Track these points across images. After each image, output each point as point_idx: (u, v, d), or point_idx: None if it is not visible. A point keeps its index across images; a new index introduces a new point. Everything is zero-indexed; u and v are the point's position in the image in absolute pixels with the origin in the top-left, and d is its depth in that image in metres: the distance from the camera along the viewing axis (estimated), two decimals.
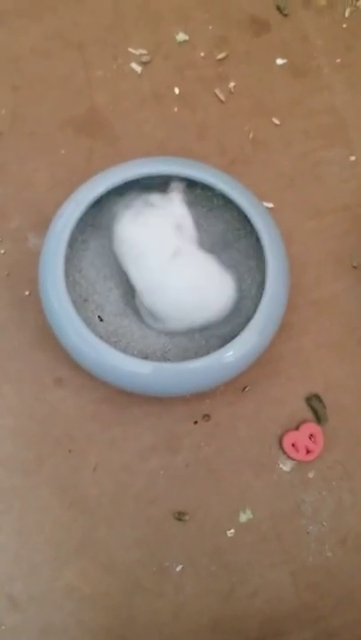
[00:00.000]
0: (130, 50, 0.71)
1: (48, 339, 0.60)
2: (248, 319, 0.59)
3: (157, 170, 0.59)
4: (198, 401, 0.60)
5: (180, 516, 0.56)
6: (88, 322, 0.59)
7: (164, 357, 0.59)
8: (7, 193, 0.65)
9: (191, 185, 0.62)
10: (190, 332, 0.59)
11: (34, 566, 0.55)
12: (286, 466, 0.58)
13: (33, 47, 0.70)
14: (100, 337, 0.58)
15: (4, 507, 0.56)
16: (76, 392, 0.60)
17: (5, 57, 0.70)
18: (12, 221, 0.64)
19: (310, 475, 0.58)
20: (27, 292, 0.62)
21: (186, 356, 0.58)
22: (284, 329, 0.60)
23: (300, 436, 0.58)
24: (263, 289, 0.56)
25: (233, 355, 0.54)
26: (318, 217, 0.67)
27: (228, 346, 0.54)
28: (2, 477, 0.57)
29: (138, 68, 0.70)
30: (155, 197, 0.58)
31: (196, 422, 0.59)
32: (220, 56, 0.71)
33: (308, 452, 0.58)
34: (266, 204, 0.66)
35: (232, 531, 0.57)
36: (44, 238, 0.57)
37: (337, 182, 0.68)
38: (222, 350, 0.54)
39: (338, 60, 0.72)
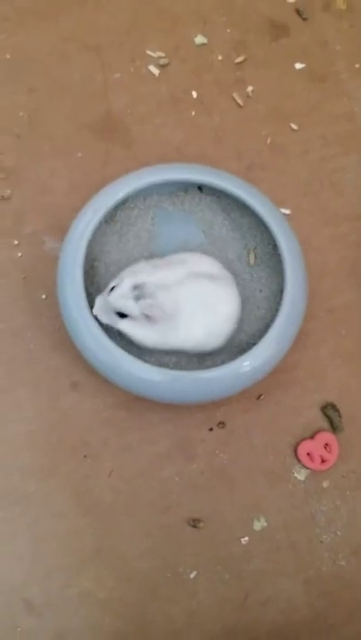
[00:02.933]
0: (148, 52, 0.70)
1: (64, 342, 0.60)
2: (266, 327, 0.59)
3: (175, 177, 0.59)
4: (214, 408, 0.60)
5: (194, 523, 0.57)
6: (106, 328, 0.59)
7: (180, 365, 0.59)
8: (24, 196, 0.65)
9: (209, 191, 0.62)
10: None
11: (49, 571, 0.55)
12: (301, 475, 0.58)
13: (51, 49, 0.70)
14: (118, 343, 0.58)
15: (19, 512, 0.56)
16: (91, 396, 0.60)
17: (23, 59, 0.70)
18: (29, 225, 0.64)
19: (325, 484, 0.58)
20: (43, 296, 0.62)
21: (203, 364, 0.58)
22: (300, 337, 0.60)
23: (315, 446, 0.58)
24: (281, 297, 0.56)
25: (249, 364, 0.54)
26: (335, 224, 0.66)
27: (245, 356, 0.54)
28: (17, 483, 0.57)
29: (155, 71, 0.70)
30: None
31: (211, 429, 0.59)
32: (239, 60, 0.71)
33: (323, 461, 0.58)
34: (283, 211, 0.66)
35: (246, 539, 0.57)
36: (63, 245, 0.57)
37: (354, 189, 0.67)
38: (239, 360, 0.54)
39: (357, 66, 0.72)
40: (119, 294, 0.54)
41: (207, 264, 0.58)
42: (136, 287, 0.53)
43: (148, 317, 0.54)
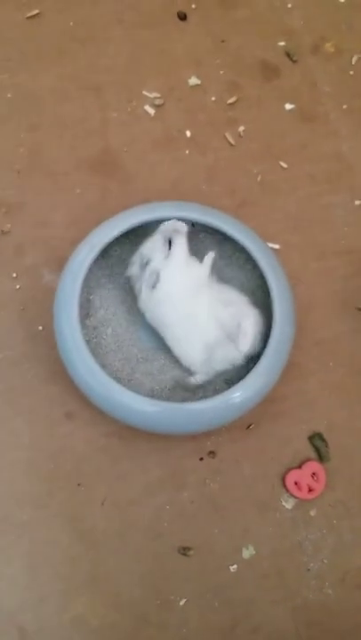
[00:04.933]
0: (144, 93, 0.74)
1: (59, 373, 0.61)
2: (254, 358, 0.61)
3: (168, 215, 0.61)
4: (204, 438, 0.61)
5: (184, 552, 0.58)
6: (101, 357, 0.61)
7: (173, 395, 0.61)
8: (24, 230, 0.67)
9: (201, 227, 0.65)
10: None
11: (43, 598, 0.57)
12: (289, 503, 0.60)
13: (51, 89, 0.73)
14: (113, 372, 0.60)
15: (14, 539, 0.58)
16: (86, 426, 0.62)
17: (25, 97, 0.73)
18: (28, 258, 0.67)
19: (312, 513, 0.60)
20: (40, 327, 0.64)
21: (195, 394, 0.60)
22: (289, 368, 0.61)
23: (302, 475, 0.60)
24: (270, 330, 0.58)
25: (240, 396, 0.56)
26: (323, 259, 0.69)
27: (236, 387, 0.56)
28: (13, 510, 0.58)
29: (151, 111, 0.73)
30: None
31: (201, 459, 0.61)
32: (231, 100, 0.74)
33: (310, 490, 0.60)
34: (272, 246, 0.68)
35: (235, 566, 0.58)
36: (60, 279, 0.59)
37: (342, 226, 0.70)
38: (229, 392, 0.56)
39: (345, 107, 0.75)
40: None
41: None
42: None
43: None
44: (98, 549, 0.58)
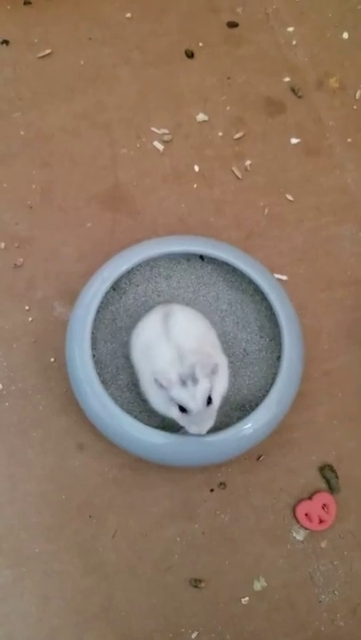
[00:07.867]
0: (153, 129, 0.76)
1: (71, 404, 0.62)
2: (263, 389, 0.62)
3: (178, 249, 0.63)
4: (215, 469, 0.62)
5: (195, 584, 0.58)
6: (112, 389, 0.62)
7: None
8: (36, 264, 0.69)
9: (209, 260, 0.66)
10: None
11: (54, 630, 0.57)
12: (300, 535, 0.60)
13: (62, 126, 0.75)
14: (124, 404, 0.61)
15: (26, 571, 0.58)
16: (97, 457, 0.62)
17: (37, 135, 0.75)
18: (40, 291, 0.68)
19: (323, 544, 0.60)
20: (52, 359, 0.65)
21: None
22: (298, 399, 0.62)
23: (313, 506, 0.60)
24: (279, 361, 0.59)
25: (251, 427, 0.57)
26: (330, 289, 0.70)
27: (247, 419, 0.57)
28: (24, 542, 0.59)
29: (160, 147, 0.75)
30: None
31: (212, 490, 0.61)
32: (238, 135, 0.76)
33: (320, 521, 0.60)
34: (280, 277, 0.69)
35: (246, 599, 0.58)
36: (72, 312, 0.60)
37: (348, 257, 0.71)
38: (241, 423, 0.57)
39: (349, 140, 0.76)
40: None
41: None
42: (181, 379, 0.52)
43: (213, 372, 0.53)
44: (109, 582, 0.58)
